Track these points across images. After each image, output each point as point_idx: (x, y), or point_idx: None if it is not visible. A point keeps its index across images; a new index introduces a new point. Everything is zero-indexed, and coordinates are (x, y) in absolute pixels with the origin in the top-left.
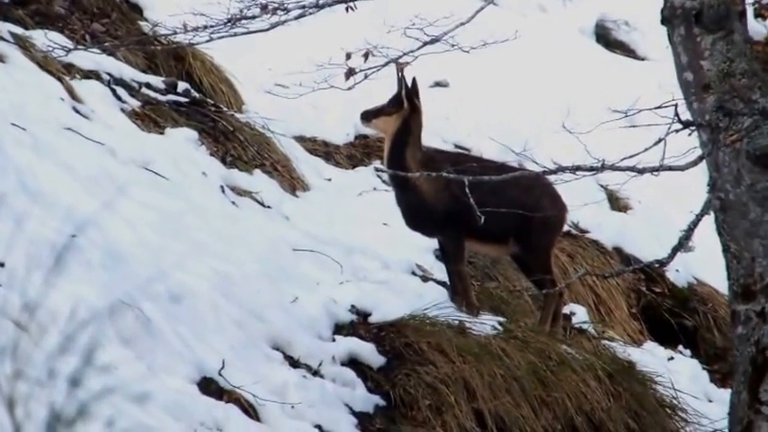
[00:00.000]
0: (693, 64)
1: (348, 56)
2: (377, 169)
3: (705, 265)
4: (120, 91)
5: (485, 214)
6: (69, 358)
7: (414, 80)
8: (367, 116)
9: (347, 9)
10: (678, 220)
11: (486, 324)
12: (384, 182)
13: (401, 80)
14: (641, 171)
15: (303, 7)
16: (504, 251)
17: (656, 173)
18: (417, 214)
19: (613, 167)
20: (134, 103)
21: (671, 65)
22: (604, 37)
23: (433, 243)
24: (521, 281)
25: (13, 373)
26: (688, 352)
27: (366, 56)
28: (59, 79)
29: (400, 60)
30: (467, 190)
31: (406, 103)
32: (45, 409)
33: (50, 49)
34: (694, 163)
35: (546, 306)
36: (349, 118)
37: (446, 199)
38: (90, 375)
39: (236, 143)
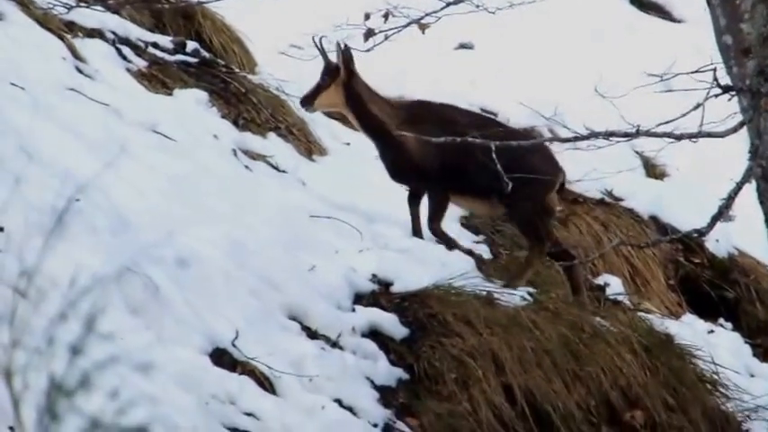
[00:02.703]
0: (732, 27)
1: (367, 16)
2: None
3: (746, 236)
4: (126, 50)
5: (468, 169)
6: (70, 326)
7: (345, 45)
8: (307, 100)
9: None
10: (718, 189)
11: (515, 294)
12: None
13: (322, 50)
14: (679, 137)
15: None
16: (489, 209)
17: (694, 139)
18: (402, 169)
19: (649, 133)
20: (140, 63)
21: (709, 27)
22: None
23: (459, 210)
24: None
25: (10, 341)
26: (729, 325)
27: (386, 16)
28: (61, 38)
29: (422, 21)
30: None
31: (342, 70)
32: (44, 379)
33: (51, 6)
34: (734, 129)
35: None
36: (368, 81)
37: (432, 154)
38: (93, 344)
39: (248, 105)
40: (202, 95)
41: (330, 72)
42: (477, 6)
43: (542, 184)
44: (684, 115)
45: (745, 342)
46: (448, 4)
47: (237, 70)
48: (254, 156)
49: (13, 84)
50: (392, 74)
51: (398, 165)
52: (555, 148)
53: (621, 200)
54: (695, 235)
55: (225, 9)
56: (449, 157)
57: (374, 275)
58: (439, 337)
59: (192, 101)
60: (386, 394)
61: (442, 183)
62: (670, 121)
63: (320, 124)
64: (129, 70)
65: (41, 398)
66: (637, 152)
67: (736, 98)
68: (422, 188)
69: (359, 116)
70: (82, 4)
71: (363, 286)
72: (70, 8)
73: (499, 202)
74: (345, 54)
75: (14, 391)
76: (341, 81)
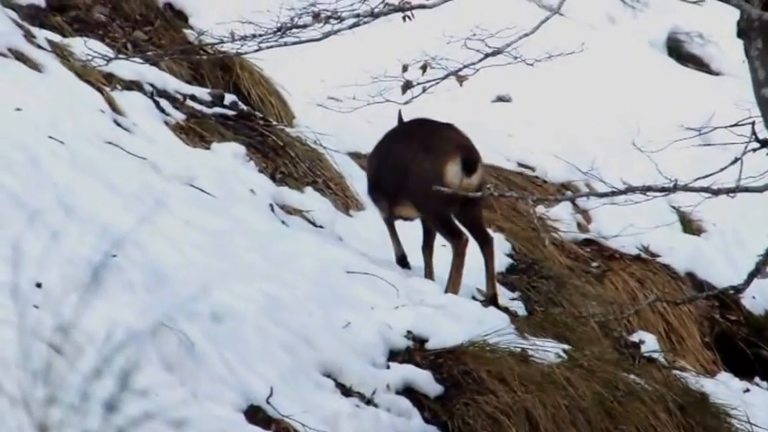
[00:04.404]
0: None
1: (405, 68)
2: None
3: None
4: (164, 103)
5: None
6: (105, 382)
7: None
8: None
9: (404, 18)
10: (755, 244)
11: (549, 352)
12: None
13: None
14: (716, 192)
15: (357, 16)
16: (404, 210)
17: (731, 194)
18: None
19: (686, 188)
20: (178, 116)
21: (747, 80)
22: (677, 50)
23: (495, 266)
24: (586, 307)
25: (46, 397)
26: (765, 384)
27: (424, 68)
28: (99, 90)
29: (460, 73)
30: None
31: None
32: None
33: (90, 57)
34: None
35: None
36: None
37: (370, 176)
38: (127, 400)
39: (286, 159)
40: (240, 149)
41: None
42: (516, 58)
43: (430, 175)
44: (722, 170)
45: None
46: (486, 56)
47: (275, 123)
48: (291, 210)
49: (51, 137)
50: None
51: None
52: (591, 203)
53: (658, 256)
54: (732, 292)
55: (263, 61)
56: (376, 173)
57: (409, 332)
58: (473, 394)
59: (229, 155)
60: None
61: (384, 197)
62: (708, 176)
63: (357, 179)
64: (166, 123)
65: None
66: (674, 207)
67: None
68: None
69: None
70: (121, 56)
71: (398, 343)
72: (109, 60)
73: (407, 201)
74: None
75: None
76: None
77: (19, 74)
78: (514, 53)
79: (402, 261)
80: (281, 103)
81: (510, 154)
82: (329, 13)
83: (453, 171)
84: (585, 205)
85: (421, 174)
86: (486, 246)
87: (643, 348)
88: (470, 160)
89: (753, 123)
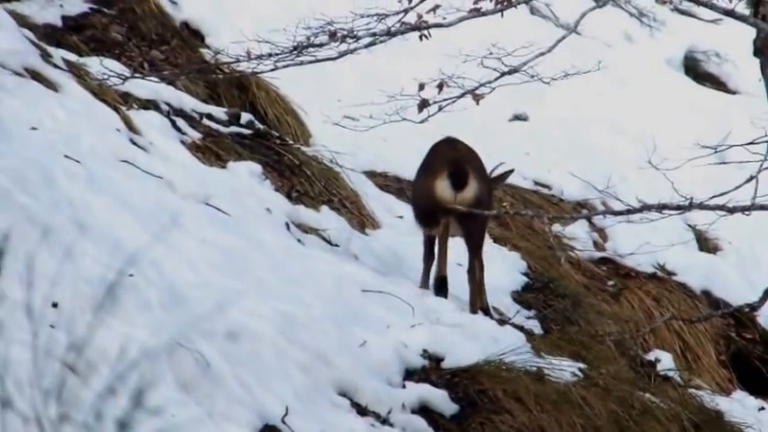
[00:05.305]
0: None
1: (421, 86)
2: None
3: None
4: (180, 122)
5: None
6: (119, 400)
7: None
8: None
9: (421, 37)
10: None
11: (565, 370)
12: None
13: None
14: (732, 210)
15: (374, 35)
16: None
17: (747, 212)
18: None
19: (702, 206)
20: (195, 135)
21: (764, 98)
22: (693, 69)
23: (510, 285)
24: (602, 325)
25: (58, 416)
26: None
27: (440, 86)
28: (115, 109)
29: (477, 92)
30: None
31: None
32: None
33: (106, 77)
34: None
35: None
36: (422, 152)
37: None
38: (141, 419)
39: (302, 178)
40: (256, 168)
41: None
42: (532, 76)
43: (421, 192)
44: (738, 188)
45: None
46: (503, 74)
47: (291, 142)
48: (307, 229)
49: (67, 156)
50: None
51: None
52: (607, 221)
53: (674, 274)
54: (747, 310)
55: (279, 80)
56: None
57: (425, 351)
58: (489, 413)
59: (245, 173)
60: None
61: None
62: (724, 194)
63: (373, 197)
64: (183, 142)
65: None
66: (689, 225)
67: None
68: None
69: None
70: (137, 75)
71: (414, 362)
72: (125, 79)
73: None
74: None
75: None
76: None
77: (35, 93)
78: (531, 72)
79: (425, 284)
80: (298, 122)
81: (526, 172)
82: (345, 32)
83: (442, 187)
84: (601, 223)
85: (417, 192)
86: (470, 265)
87: (659, 367)
88: (458, 175)
89: None
